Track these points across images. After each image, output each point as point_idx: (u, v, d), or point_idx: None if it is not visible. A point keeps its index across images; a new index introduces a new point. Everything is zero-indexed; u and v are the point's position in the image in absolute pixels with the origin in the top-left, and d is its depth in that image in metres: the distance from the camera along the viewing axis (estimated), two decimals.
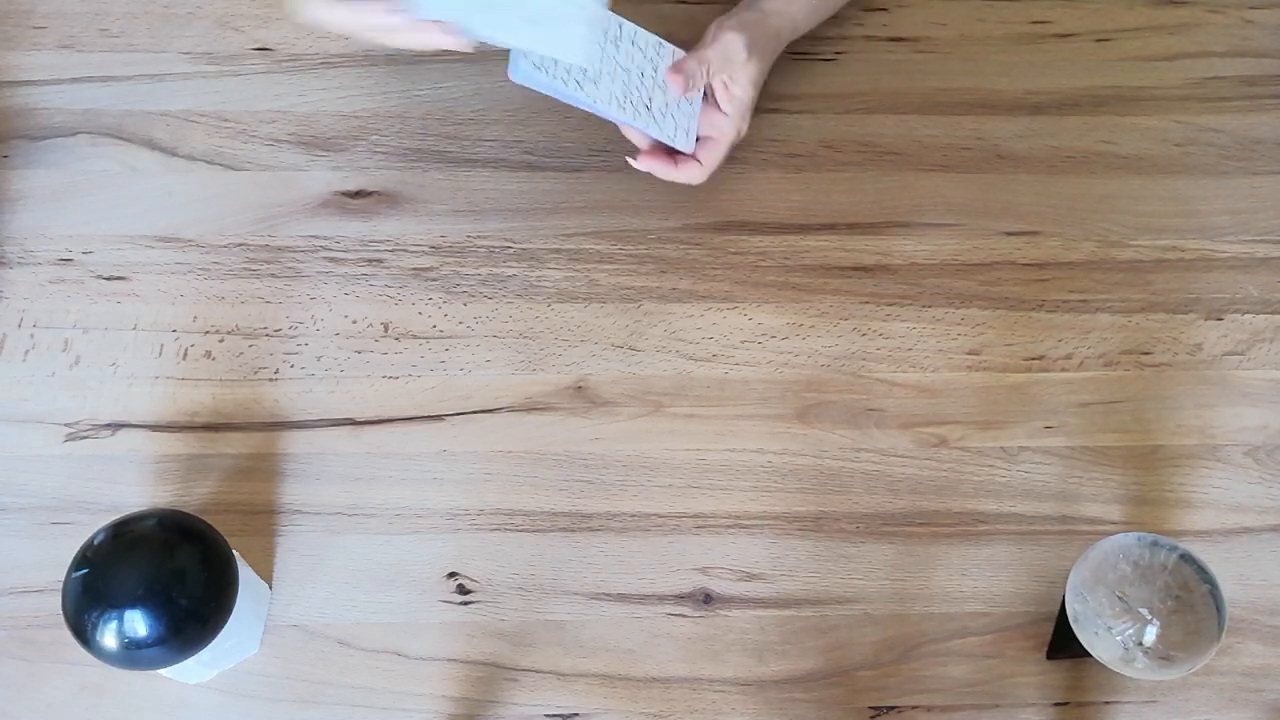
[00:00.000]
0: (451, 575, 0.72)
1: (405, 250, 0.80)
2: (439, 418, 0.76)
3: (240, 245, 0.80)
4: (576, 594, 0.72)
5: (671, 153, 0.79)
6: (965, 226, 0.83)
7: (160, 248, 0.79)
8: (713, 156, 0.79)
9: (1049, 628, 0.71)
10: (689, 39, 0.79)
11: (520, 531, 0.73)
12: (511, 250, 0.81)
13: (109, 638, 0.58)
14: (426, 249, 0.80)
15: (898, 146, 0.85)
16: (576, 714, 0.69)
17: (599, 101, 0.74)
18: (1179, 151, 0.86)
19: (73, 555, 0.60)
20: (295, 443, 0.75)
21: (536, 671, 0.70)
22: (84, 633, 0.59)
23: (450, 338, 0.78)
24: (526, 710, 0.69)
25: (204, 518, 0.63)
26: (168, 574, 0.59)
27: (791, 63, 0.87)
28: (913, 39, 0.89)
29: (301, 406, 0.76)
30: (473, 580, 0.72)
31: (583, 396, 0.77)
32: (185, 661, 0.61)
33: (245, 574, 0.66)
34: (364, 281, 0.79)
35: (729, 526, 0.74)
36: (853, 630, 0.72)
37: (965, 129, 0.86)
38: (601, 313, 0.79)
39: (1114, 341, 0.80)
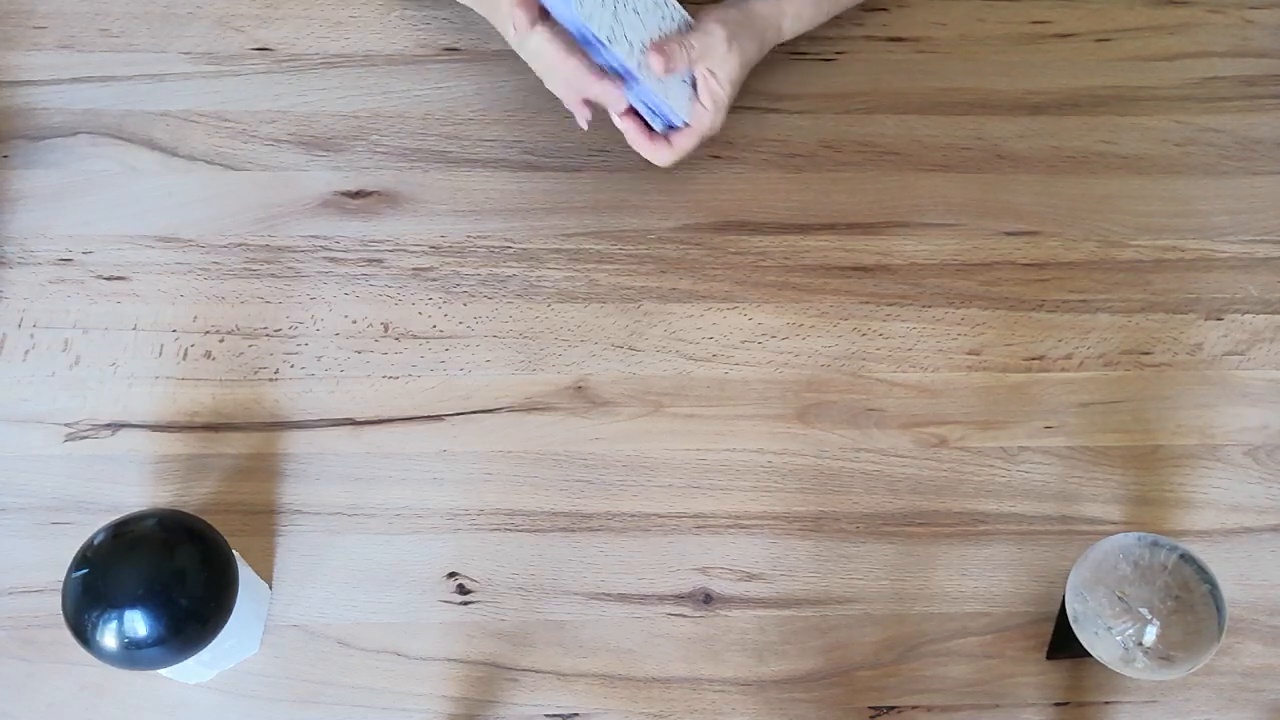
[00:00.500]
0: (451, 575, 0.72)
1: (405, 250, 0.80)
2: (439, 418, 0.76)
3: (240, 245, 0.80)
4: (576, 594, 0.72)
5: (650, 129, 0.79)
6: (965, 226, 0.83)
7: (160, 248, 0.79)
8: (685, 143, 0.78)
9: (1049, 628, 0.71)
10: None
11: (520, 531, 0.73)
12: (511, 250, 0.81)
13: (109, 638, 0.58)
14: (426, 249, 0.80)
15: (898, 146, 0.85)
16: (576, 714, 0.69)
17: (617, 44, 0.73)
18: (1179, 151, 0.86)
19: (73, 555, 0.60)
20: (295, 443, 0.75)
21: (536, 671, 0.70)
22: (84, 633, 0.59)
23: (450, 338, 0.78)
24: (526, 710, 0.69)
25: (204, 518, 0.63)
26: (168, 574, 0.59)
27: (791, 63, 0.87)
28: (913, 39, 0.89)
29: (301, 406, 0.76)
30: (473, 580, 0.72)
31: (583, 396, 0.77)
32: (185, 661, 0.61)
33: (245, 574, 0.66)
34: (364, 281, 0.79)
35: (729, 526, 0.74)
36: (853, 630, 0.72)
37: (965, 129, 0.86)
38: (601, 313, 0.79)
39: (1114, 341, 0.80)
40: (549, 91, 0.79)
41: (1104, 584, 0.63)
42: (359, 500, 0.73)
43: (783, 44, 0.85)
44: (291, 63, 0.86)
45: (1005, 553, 0.74)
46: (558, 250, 0.81)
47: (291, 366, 0.77)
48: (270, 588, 0.71)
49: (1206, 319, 0.81)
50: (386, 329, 0.78)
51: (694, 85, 0.79)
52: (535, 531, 0.73)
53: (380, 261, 0.80)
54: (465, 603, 0.71)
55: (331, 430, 0.75)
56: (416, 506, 0.73)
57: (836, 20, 0.88)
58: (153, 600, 0.58)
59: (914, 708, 0.70)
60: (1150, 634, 0.62)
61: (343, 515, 0.73)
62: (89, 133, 0.82)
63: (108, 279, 0.78)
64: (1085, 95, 0.87)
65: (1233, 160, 0.86)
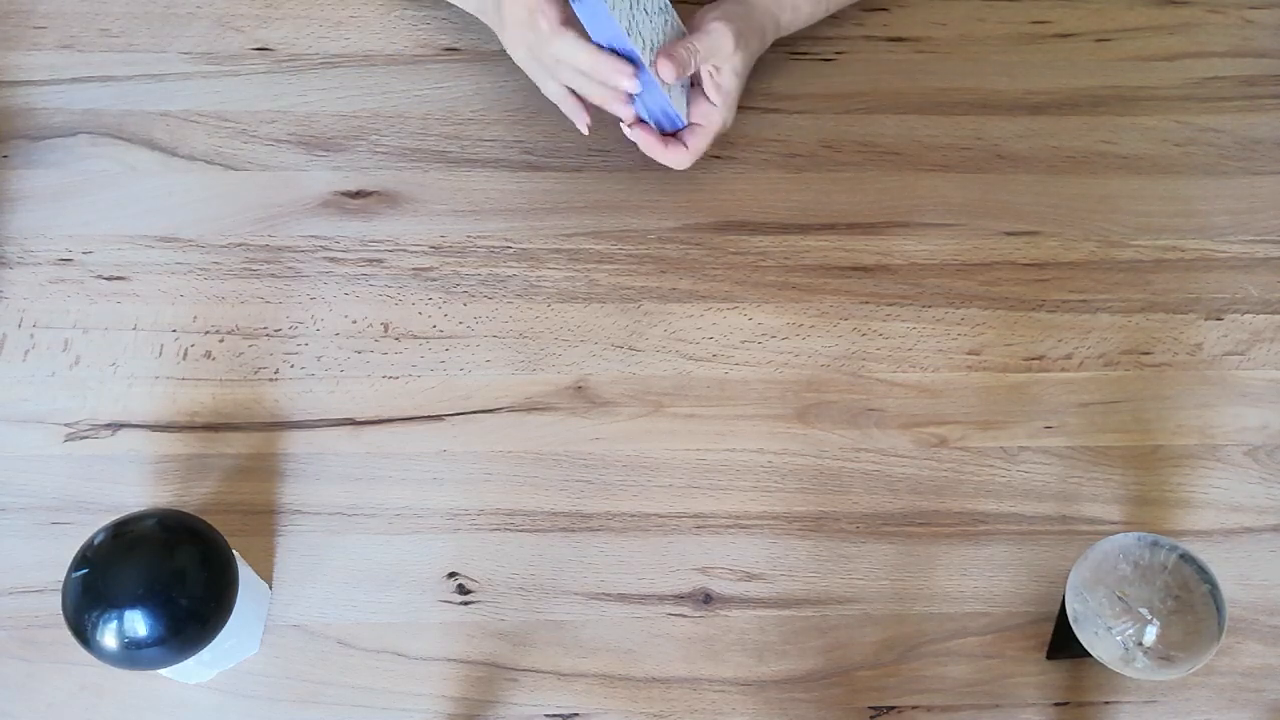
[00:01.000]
0: (451, 575, 0.72)
1: (405, 250, 0.80)
2: (439, 418, 0.76)
3: (240, 245, 0.80)
4: (576, 594, 0.72)
5: (661, 134, 0.79)
6: (965, 226, 0.83)
7: (160, 248, 0.79)
8: (699, 143, 0.79)
9: (1049, 628, 0.71)
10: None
11: (520, 531, 0.73)
12: (511, 250, 0.81)
13: (109, 638, 0.58)
14: (426, 249, 0.80)
15: (898, 146, 0.85)
16: (576, 714, 0.69)
17: (641, 50, 0.73)
18: (1179, 151, 0.86)
19: (73, 555, 0.60)
20: (295, 443, 0.75)
21: (536, 671, 0.70)
22: (84, 633, 0.59)
23: (450, 338, 0.78)
24: (526, 710, 0.69)
25: (204, 518, 0.63)
26: (168, 574, 0.59)
27: (791, 63, 0.87)
28: (913, 39, 0.89)
29: (301, 406, 0.76)
30: (473, 580, 0.72)
31: (583, 396, 0.77)
32: (185, 661, 0.61)
33: (245, 574, 0.66)
34: (364, 281, 0.79)
35: (729, 526, 0.74)
36: (853, 630, 0.72)
37: (965, 129, 0.86)
38: (601, 313, 0.79)
39: (1114, 341, 0.80)
40: None
41: (1104, 584, 0.63)
42: (359, 500, 0.73)
43: (783, 44, 0.85)
44: (291, 63, 0.85)
45: (1005, 553, 0.74)
46: (558, 250, 0.81)
47: (291, 366, 0.77)
48: (270, 588, 0.71)
49: (1206, 319, 0.81)
50: (386, 329, 0.78)
51: (693, 84, 0.79)
52: (535, 531, 0.73)
53: (380, 261, 0.80)
54: (465, 603, 0.71)
55: (331, 430, 0.75)
56: (416, 506, 0.73)
57: (836, 20, 0.88)
58: (153, 600, 0.58)
59: (914, 708, 0.70)
60: (1150, 634, 0.62)
61: (343, 515, 0.73)
62: (89, 133, 0.82)
63: (108, 279, 0.78)
64: (1085, 95, 0.87)
65: (1233, 160, 0.86)
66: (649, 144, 0.78)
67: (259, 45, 0.86)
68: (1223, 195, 0.85)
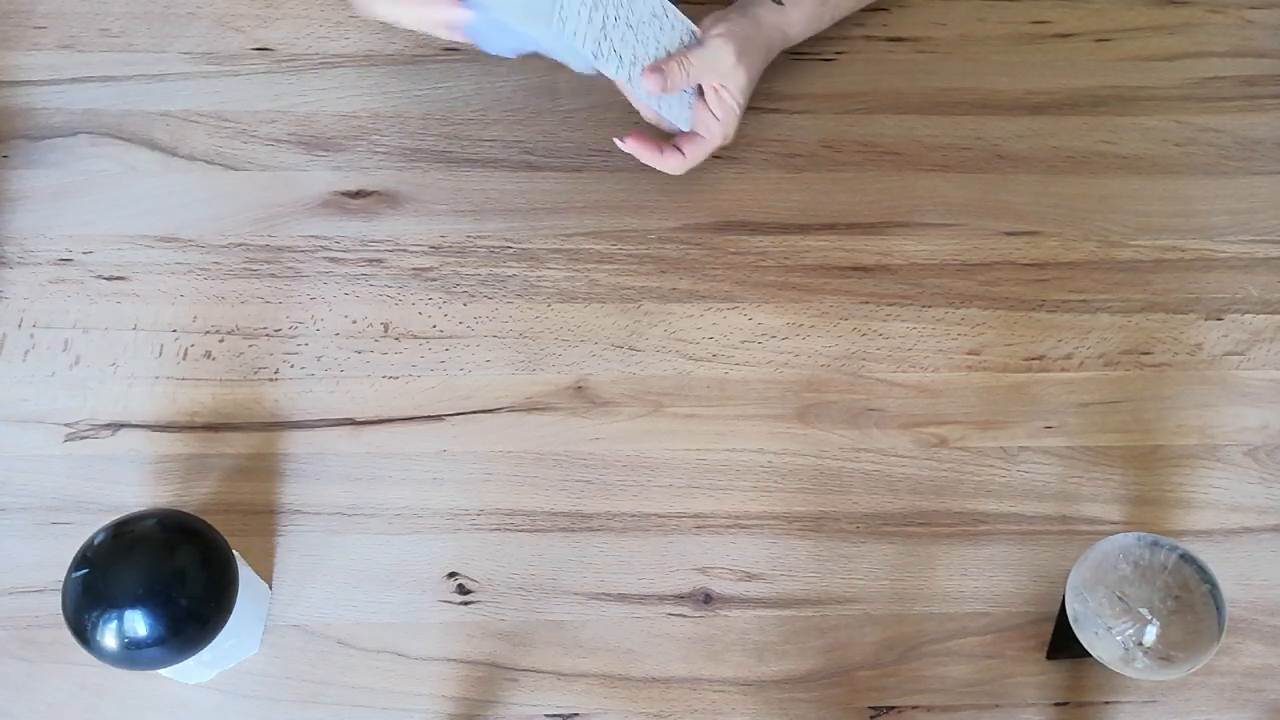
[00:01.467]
0: (451, 575, 0.72)
1: (405, 250, 0.80)
2: (439, 418, 0.76)
3: (240, 245, 0.80)
4: (576, 594, 0.72)
5: (657, 140, 0.79)
6: (965, 226, 0.83)
7: (160, 248, 0.79)
8: (697, 152, 0.79)
9: (1049, 628, 0.71)
10: None
11: (520, 531, 0.73)
12: (511, 250, 0.81)
13: (109, 638, 0.58)
14: (426, 249, 0.80)
15: (898, 146, 0.85)
16: (576, 714, 0.69)
17: (604, 60, 0.73)
18: (1179, 151, 0.86)
19: (73, 555, 0.60)
20: (295, 443, 0.75)
21: (536, 671, 0.70)
22: (84, 633, 0.59)
23: (450, 338, 0.78)
24: (526, 710, 0.69)
25: (204, 518, 0.63)
26: (168, 574, 0.59)
27: (791, 63, 0.87)
28: (913, 39, 0.89)
29: (301, 406, 0.76)
30: (473, 580, 0.72)
31: (583, 396, 0.77)
32: (185, 661, 0.61)
33: (245, 574, 0.66)
34: (364, 281, 0.79)
35: (729, 526, 0.74)
36: (853, 630, 0.72)
37: (965, 129, 0.86)
38: (601, 313, 0.79)
39: (1114, 341, 0.80)
40: (549, 91, 0.79)
41: (1104, 584, 0.63)
42: (359, 500, 0.73)
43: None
44: (291, 63, 0.85)
45: (1005, 553, 0.74)
46: (558, 250, 0.81)
47: (291, 366, 0.77)
48: (270, 588, 0.71)
49: (1206, 319, 0.81)
50: (386, 329, 0.78)
51: (698, 93, 0.79)
52: (535, 531, 0.73)
53: (380, 261, 0.80)
54: (465, 603, 0.71)
55: (331, 430, 0.75)
56: (416, 506, 0.73)
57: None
58: (153, 600, 0.58)
59: (914, 708, 0.70)
60: (1150, 634, 0.62)
61: (343, 515, 0.73)
62: (89, 133, 0.82)
63: (108, 279, 0.78)
64: (1085, 95, 0.87)
65: (1233, 160, 0.86)
66: (645, 153, 0.78)
67: (259, 45, 0.86)
68: (1223, 195, 0.85)
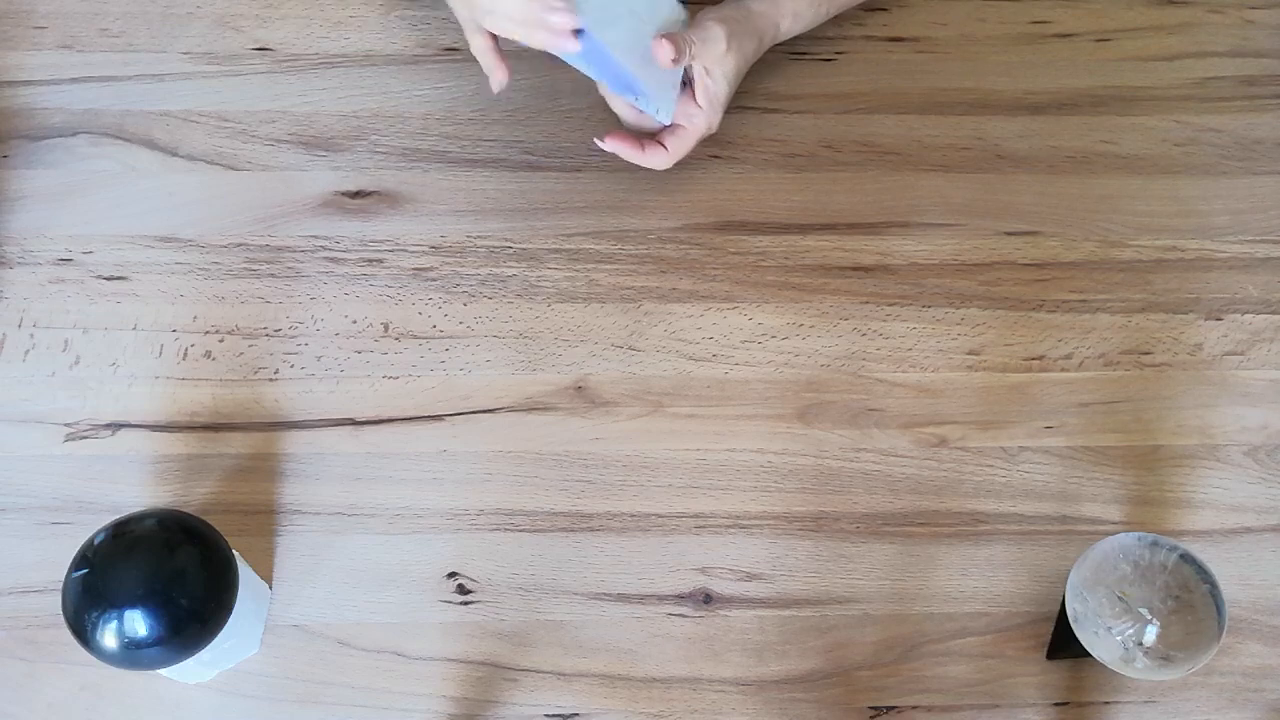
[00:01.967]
0: (451, 575, 0.72)
1: (405, 250, 0.80)
2: (439, 418, 0.76)
3: (240, 245, 0.80)
4: (576, 594, 0.72)
5: (638, 138, 0.79)
6: (965, 226, 0.83)
7: (160, 248, 0.79)
8: (680, 145, 0.78)
9: (1049, 628, 0.71)
10: None
11: (520, 531, 0.73)
12: (511, 250, 0.81)
13: (109, 638, 0.58)
14: (426, 249, 0.80)
15: (898, 146, 0.85)
16: (576, 714, 0.69)
17: (612, 45, 0.72)
18: (1179, 151, 0.86)
19: (73, 555, 0.60)
20: (295, 443, 0.75)
21: (536, 671, 0.70)
22: (84, 633, 0.59)
23: (450, 338, 0.78)
24: (526, 710, 0.69)
25: (204, 518, 0.63)
26: (168, 574, 0.59)
27: (791, 63, 0.87)
28: (913, 39, 0.89)
29: (301, 406, 0.76)
30: (473, 580, 0.72)
31: (583, 396, 0.77)
32: (185, 661, 0.61)
33: (245, 574, 0.66)
34: (364, 281, 0.79)
35: (729, 526, 0.74)
36: (853, 630, 0.72)
37: (965, 129, 0.86)
38: (601, 313, 0.79)
39: (1114, 341, 0.80)
40: (549, 91, 0.79)
41: (1104, 584, 0.63)
42: (359, 500, 0.73)
43: (782, 44, 0.85)
44: (291, 63, 0.85)
45: (1005, 553, 0.74)
46: (558, 250, 0.81)
47: (291, 366, 0.77)
48: (270, 588, 0.71)
49: (1206, 319, 0.81)
50: (386, 329, 0.78)
51: (684, 85, 0.78)
52: (535, 531, 0.73)
53: (380, 261, 0.80)
54: (465, 603, 0.71)
55: (331, 430, 0.75)
56: (416, 506, 0.73)
57: (836, 20, 0.88)
58: (153, 600, 0.58)
59: (914, 708, 0.70)
60: (1150, 634, 0.62)
61: (343, 515, 0.73)
62: (89, 133, 0.82)
63: (108, 279, 0.78)
64: (1085, 95, 0.87)
65: (1233, 160, 0.86)
66: (627, 151, 0.78)
67: (259, 45, 0.86)
68: (1223, 195, 0.85)
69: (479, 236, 0.81)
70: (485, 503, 0.74)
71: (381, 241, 0.80)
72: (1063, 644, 0.68)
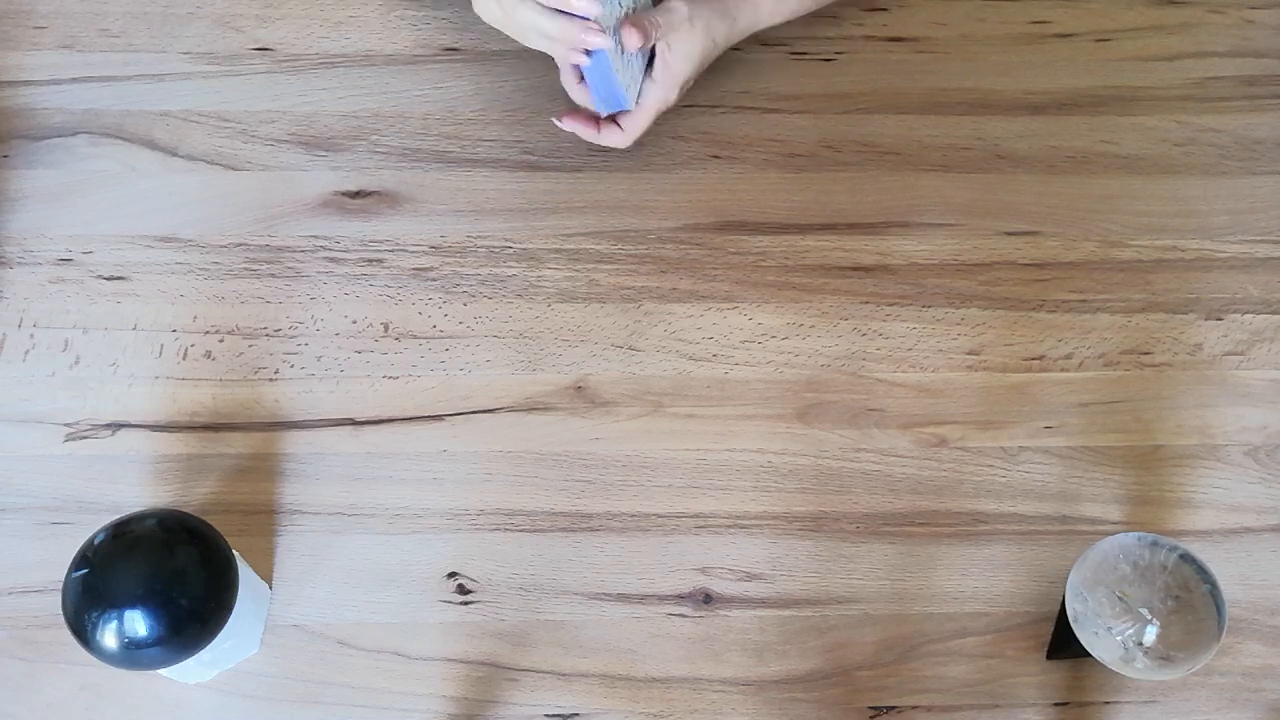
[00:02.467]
0: (451, 575, 0.72)
1: (405, 250, 0.80)
2: (439, 418, 0.76)
3: (240, 245, 0.80)
4: (576, 594, 0.72)
5: (595, 117, 0.79)
6: (965, 226, 0.83)
7: (160, 248, 0.79)
8: (636, 124, 0.79)
9: (1049, 628, 0.71)
10: None
11: (520, 531, 0.73)
12: (511, 250, 0.81)
13: (109, 638, 0.58)
14: (426, 249, 0.80)
15: (898, 146, 0.85)
16: (576, 714, 0.69)
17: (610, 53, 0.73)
18: (1179, 151, 0.86)
19: (73, 555, 0.60)
20: (295, 443, 0.75)
21: (536, 671, 0.70)
22: (84, 633, 0.59)
23: (450, 338, 0.78)
24: (526, 710, 0.69)
25: (204, 518, 0.63)
26: (168, 574, 0.59)
27: (791, 63, 0.87)
28: (913, 39, 0.89)
29: (301, 406, 0.76)
30: (473, 580, 0.72)
31: (583, 396, 0.77)
32: (185, 661, 0.61)
33: (245, 574, 0.66)
34: (364, 281, 0.79)
35: (729, 526, 0.74)
36: (853, 630, 0.72)
37: (965, 129, 0.86)
38: (601, 313, 0.79)
39: (1114, 341, 0.80)
40: (549, 91, 0.79)
41: (1104, 584, 0.63)
42: (359, 500, 0.73)
43: (783, 43, 0.85)
44: (291, 63, 0.85)
45: (1005, 553, 0.74)
46: (558, 250, 0.81)
47: (291, 366, 0.77)
48: (270, 588, 0.71)
49: (1206, 319, 0.81)
50: (386, 329, 0.78)
51: (649, 63, 0.78)
52: (535, 531, 0.73)
53: (380, 261, 0.80)
54: (465, 603, 0.71)
55: (331, 430, 0.75)
56: (416, 506, 0.73)
57: (836, 20, 0.88)
58: (153, 600, 0.58)
59: (914, 708, 0.70)
60: (1150, 634, 0.62)
61: (343, 515, 0.73)
62: (89, 133, 0.82)
63: (108, 279, 0.78)
64: (1085, 95, 0.87)
65: (1233, 160, 0.86)
66: (583, 130, 0.79)
67: (259, 45, 0.86)
68: (1223, 195, 0.85)
69: (479, 236, 0.81)
70: (485, 503, 0.74)
71: (381, 241, 0.80)
72: (1063, 644, 0.68)
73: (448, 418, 0.76)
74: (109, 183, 0.81)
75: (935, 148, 0.85)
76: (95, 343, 0.76)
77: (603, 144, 0.80)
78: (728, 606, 0.72)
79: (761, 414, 0.77)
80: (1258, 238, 0.83)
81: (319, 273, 0.79)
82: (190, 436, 0.74)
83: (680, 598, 0.72)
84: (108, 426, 0.74)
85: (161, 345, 0.77)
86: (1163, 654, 0.62)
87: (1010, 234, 0.83)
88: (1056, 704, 0.70)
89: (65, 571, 0.60)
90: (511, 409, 0.76)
